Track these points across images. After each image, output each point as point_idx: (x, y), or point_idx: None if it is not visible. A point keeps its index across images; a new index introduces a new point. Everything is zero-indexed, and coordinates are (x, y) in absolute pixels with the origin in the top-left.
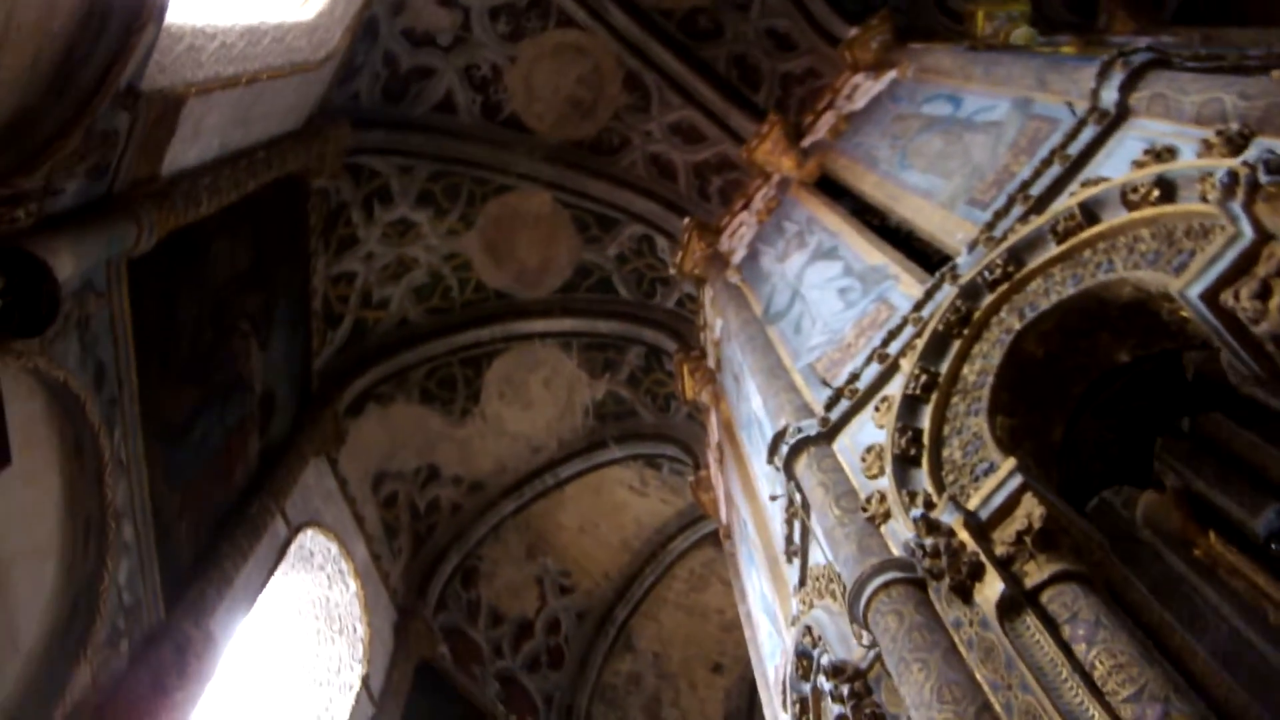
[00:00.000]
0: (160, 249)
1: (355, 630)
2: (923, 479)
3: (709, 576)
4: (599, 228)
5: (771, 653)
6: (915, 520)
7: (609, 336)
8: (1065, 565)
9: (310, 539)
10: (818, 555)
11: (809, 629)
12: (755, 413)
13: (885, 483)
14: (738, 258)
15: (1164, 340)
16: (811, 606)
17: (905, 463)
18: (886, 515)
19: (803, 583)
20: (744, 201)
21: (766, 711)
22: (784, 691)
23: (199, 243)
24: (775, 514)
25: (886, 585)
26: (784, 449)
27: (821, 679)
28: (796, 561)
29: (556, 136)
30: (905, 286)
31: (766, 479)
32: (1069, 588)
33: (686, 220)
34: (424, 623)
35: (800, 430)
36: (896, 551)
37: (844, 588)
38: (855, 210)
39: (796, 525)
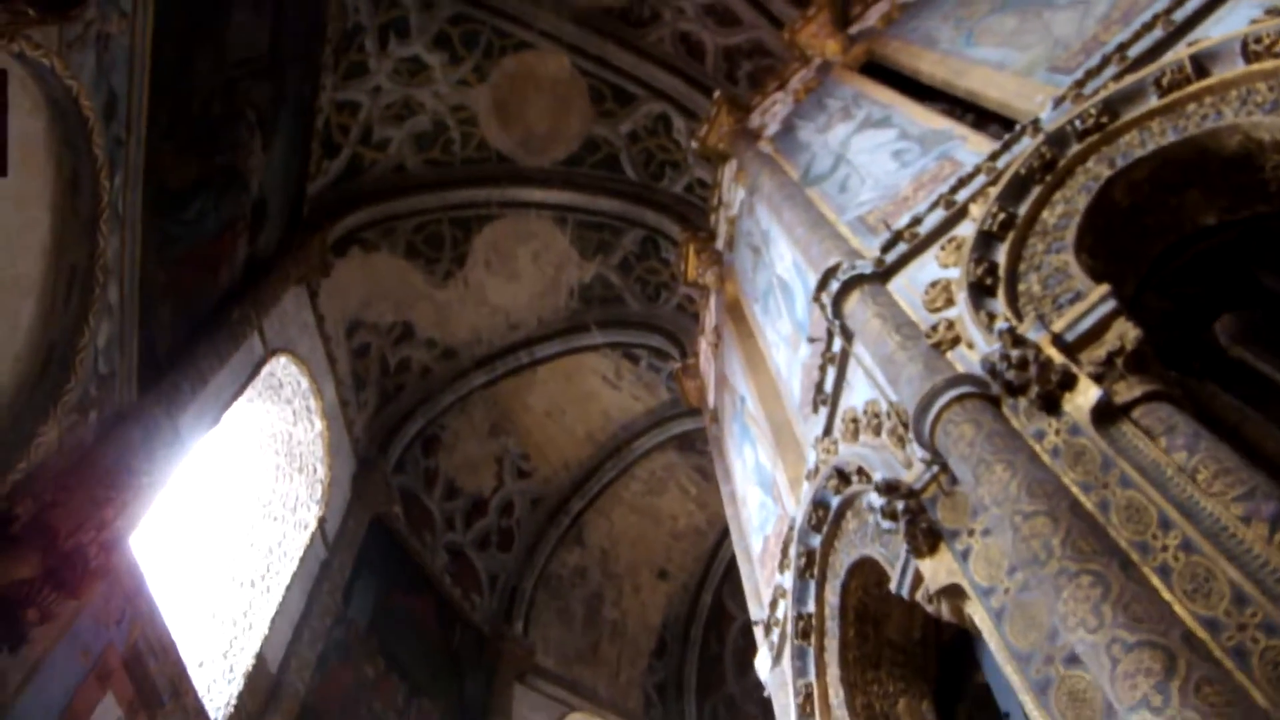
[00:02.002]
0: None
1: (315, 471)
2: (999, 306)
3: (668, 481)
4: (615, 101)
5: (762, 523)
6: (1001, 332)
7: (608, 215)
8: (1156, 386)
9: (282, 368)
10: (854, 397)
11: (838, 470)
12: (784, 274)
13: (953, 312)
14: (771, 131)
15: (1258, 203)
16: (835, 452)
17: (980, 291)
18: (954, 341)
19: (827, 431)
20: (778, 83)
21: (747, 585)
22: (783, 552)
23: (223, 6)
24: (795, 373)
25: (960, 398)
26: (834, 285)
27: (871, 497)
28: (823, 411)
29: (585, 1)
30: (973, 145)
31: (787, 342)
32: (1162, 406)
33: (717, 94)
34: (383, 477)
35: (854, 268)
36: None
37: (896, 417)
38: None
39: (831, 371)
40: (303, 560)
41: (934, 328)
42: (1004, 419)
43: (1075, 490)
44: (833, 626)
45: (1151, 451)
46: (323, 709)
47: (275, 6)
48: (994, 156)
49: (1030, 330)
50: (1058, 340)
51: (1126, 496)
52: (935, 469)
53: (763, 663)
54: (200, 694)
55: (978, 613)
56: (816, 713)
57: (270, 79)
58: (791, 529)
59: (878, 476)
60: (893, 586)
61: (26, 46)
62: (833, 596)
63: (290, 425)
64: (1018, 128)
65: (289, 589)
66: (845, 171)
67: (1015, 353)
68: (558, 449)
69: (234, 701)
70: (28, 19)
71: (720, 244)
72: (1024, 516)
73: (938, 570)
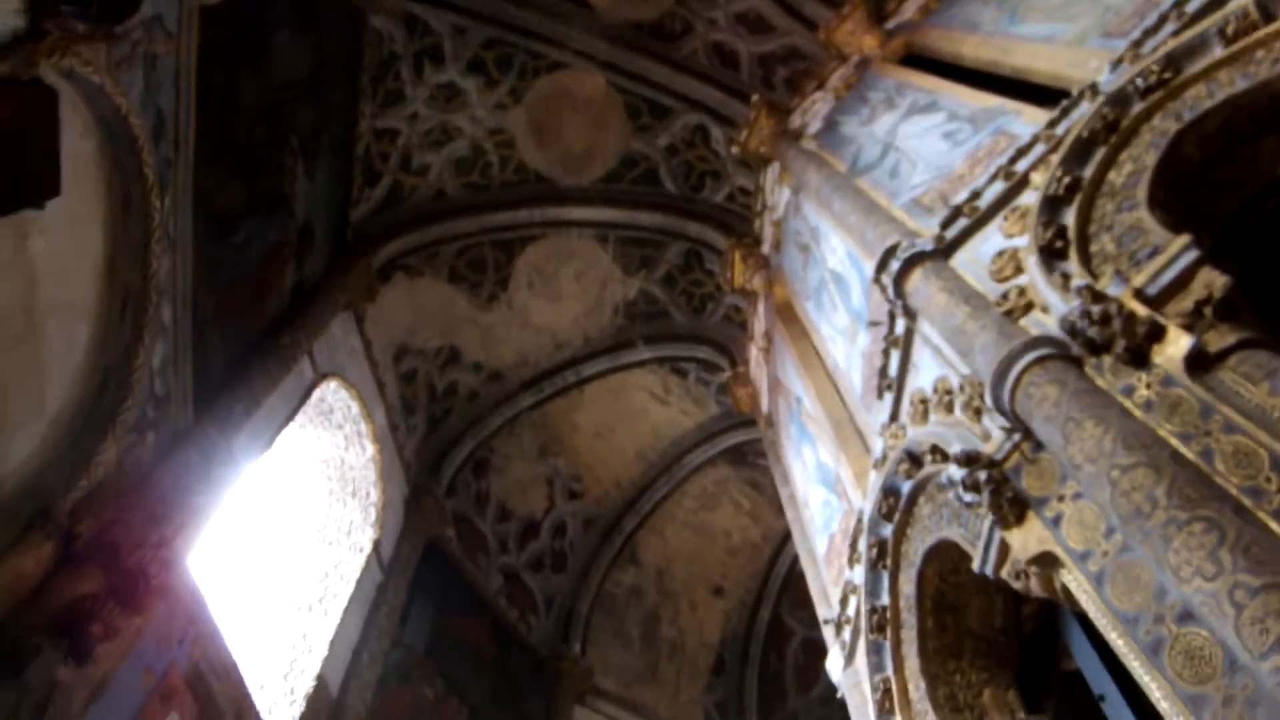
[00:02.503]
0: (230, 9)
1: (369, 495)
2: (1073, 267)
3: (720, 497)
4: (651, 115)
5: (826, 522)
6: (1079, 289)
7: (649, 230)
8: (1250, 333)
9: (332, 393)
10: (921, 378)
11: (909, 453)
12: (837, 266)
13: (1023, 280)
14: (813, 129)
15: None
16: (903, 437)
17: (1051, 255)
18: (1027, 307)
19: (893, 417)
20: (817, 83)
21: (813, 586)
22: (852, 547)
23: (265, 30)
24: (855, 364)
25: (1040, 360)
26: (894, 265)
27: (951, 470)
28: (888, 397)
29: (617, 16)
30: (1028, 117)
31: (844, 334)
32: (1258, 353)
33: (755, 98)
34: (435, 501)
35: (913, 245)
36: None
37: (970, 389)
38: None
39: (894, 355)
40: (359, 584)
41: (1004, 296)
42: (1087, 379)
43: (1174, 441)
44: (909, 618)
45: (1256, 396)
46: None
47: (316, 32)
48: (1052, 124)
49: (1110, 286)
50: (1139, 294)
51: (1232, 442)
52: (1016, 437)
53: (834, 663)
54: (262, 716)
55: (1074, 580)
56: (896, 708)
57: (312, 105)
58: (860, 522)
59: (956, 449)
60: (975, 566)
61: (77, 63)
62: (907, 586)
63: (342, 451)
64: (1075, 92)
65: (346, 612)
66: (895, 158)
67: (1096, 309)
68: (608, 468)
69: None
70: (77, 35)
71: (766, 248)
72: (1122, 470)
73: (1027, 540)
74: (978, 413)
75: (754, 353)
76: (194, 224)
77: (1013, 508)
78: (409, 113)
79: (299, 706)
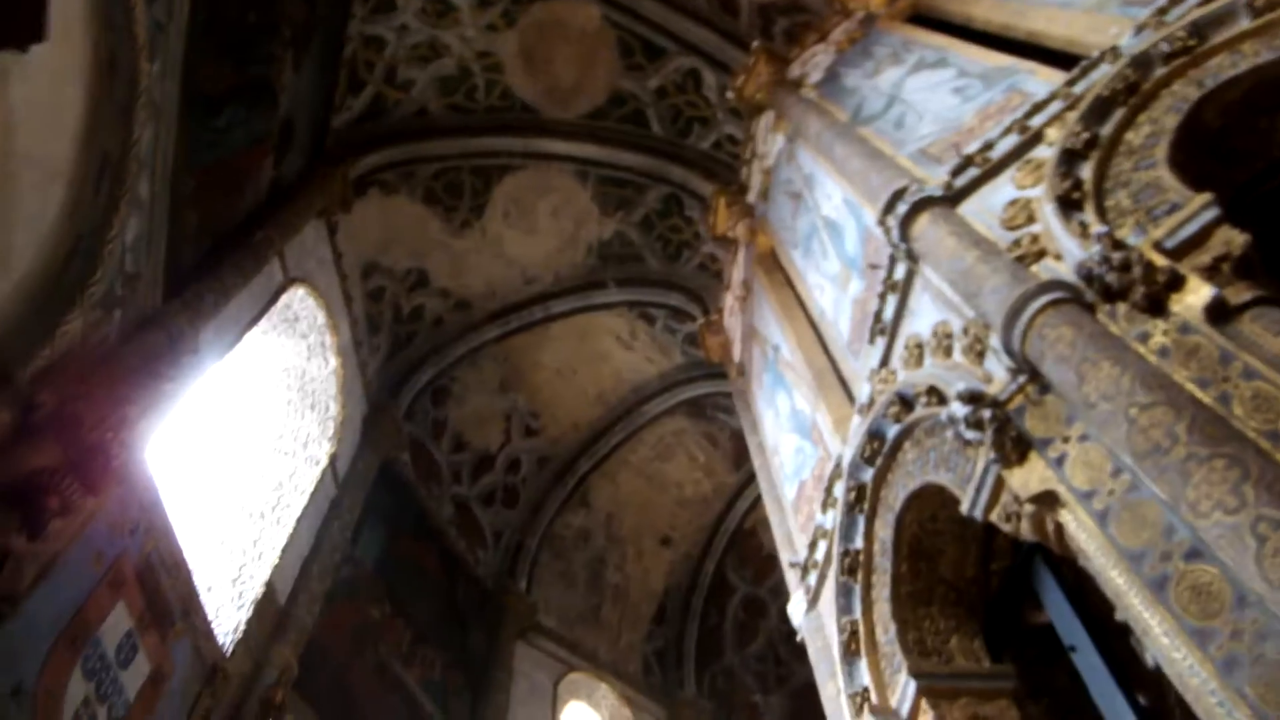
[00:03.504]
0: None
1: (328, 409)
2: (1089, 218)
3: (676, 448)
4: (644, 55)
5: (798, 469)
6: (1099, 236)
7: (632, 170)
8: (1264, 292)
9: (299, 300)
10: (918, 323)
11: (900, 397)
12: (831, 213)
13: (1036, 228)
14: (813, 79)
15: None
16: (893, 382)
17: (1067, 205)
18: (1039, 254)
19: (884, 362)
20: (818, 36)
21: (778, 532)
22: (827, 491)
23: None
24: (844, 311)
25: (1055, 303)
26: (901, 208)
27: (954, 407)
28: (880, 342)
29: None
30: (1043, 76)
31: (834, 281)
32: (1273, 310)
33: (756, 44)
34: (393, 422)
35: (922, 190)
36: None
37: (974, 333)
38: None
39: (891, 300)
40: (313, 496)
41: (1016, 242)
42: (1100, 324)
43: (1190, 386)
44: (882, 562)
45: (1274, 346)
46: (329, 644)
47: None
48: (1070, 83)
49: (1130, 236)
50: (1158, 247)
51: (1252, 388)
52: (1022, 379)
53: (797, 607)
54: (209, 617)
55: (1074, 519)
56: (862, 649)
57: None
58: (837, 467)
59: (959, 388)
60: (964, 508)
61: None
62: (884, 531)
63: (304, 361)
64: (1095, 54)
65: (299, 522)
66: (900, 110)
67: (1116, 255)
68: (567, 409)
69: (242, 627)
70: None
71: (753, 196)
72: (1141, 408)
73: (1028, 479)
74: (979, 356)
75: (729, 301)
76: (180, 97)
77: (1015, 447)
78: (398, 23)
79: (246, 611)
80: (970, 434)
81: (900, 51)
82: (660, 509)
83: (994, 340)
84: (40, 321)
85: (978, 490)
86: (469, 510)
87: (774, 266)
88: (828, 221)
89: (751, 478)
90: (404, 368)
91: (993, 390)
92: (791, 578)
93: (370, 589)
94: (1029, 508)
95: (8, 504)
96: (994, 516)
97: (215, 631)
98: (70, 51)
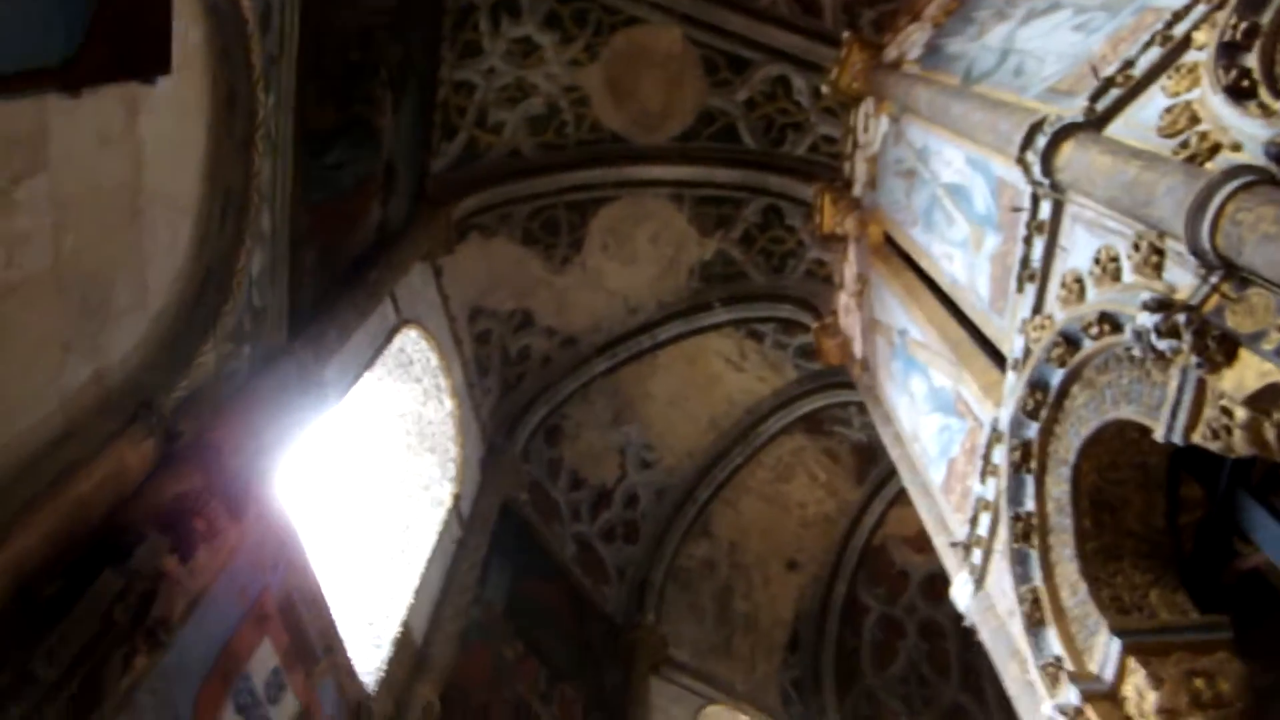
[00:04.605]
0: None
1: (447, 450)
2: (1268, 98)
3: (795, 467)
4: (730, 69)
5: (944, 449)
6: None
7: (727, 187)
8: None
9: (412, 343)
10: (1075, 258)
11: (1065, 337)
12: (953, 178)
13: (1204, 126)
14: (913, 55)
15: None
16: (1050, 327)
17: (1238, 94)
18: (1213, 150)
19: (1037, 309)
20: (910, 17)
21: (928, 518)
22: (985, 459)
23: None
24: (980, 272)
25: (1246, 186)
26: (1040, 140)
27: (1142, 318)
28: (1030, 289)
29: None
30: None
31: (964, 246)
32: None
33: (847, 34)
34: (512, 461)
35: (1061, 119)
36: None
37: (1147, 246)
38: None
39: (1038, 242)
40: (440, 537)
41: (1183, 144)
42: None
43: None
44: (1061, 520)
45: None
46: (467, 685)
47: None
48: None
49: None
50: None
51: None
52: (1215, 279)
53: (961, 590)
54: (351, 654)
55: None
56: (1049, 617)
57: (399, 40)
58: (995, 432)
59: (1144, 298)
60: (1159, 434)
61: None
62: (1056, 488)
63: (420, 405)
64: None
65: (429, 564)
66: (1017, 60)
67: None
68: (681, 437)
69: (383, 667)
70: None
71: (858, 189)
72: None
73: (1242, 377)
74: (1157, 269)
75: (843, 301)
76: (294, 132)
77: (1221, 347)
78: (486, 66)
79: (385, 651)
80: (1164, 344)
81: (1005, 8)
82: (784, 532)
83: (1173, 247)
84: (176, 354)
85: (1174, 410)
86: (591, 548)
87: (889, 254)
88: (950, 188)
89: (876, 491)
90: (515, 410)
91: (1182, 297)
92: (951, 561)
93: (501, 630)
94: (1242, 414)
95: (158, 530)
96: (1197, 436)
97: (357, 671)
98: (191, 85)
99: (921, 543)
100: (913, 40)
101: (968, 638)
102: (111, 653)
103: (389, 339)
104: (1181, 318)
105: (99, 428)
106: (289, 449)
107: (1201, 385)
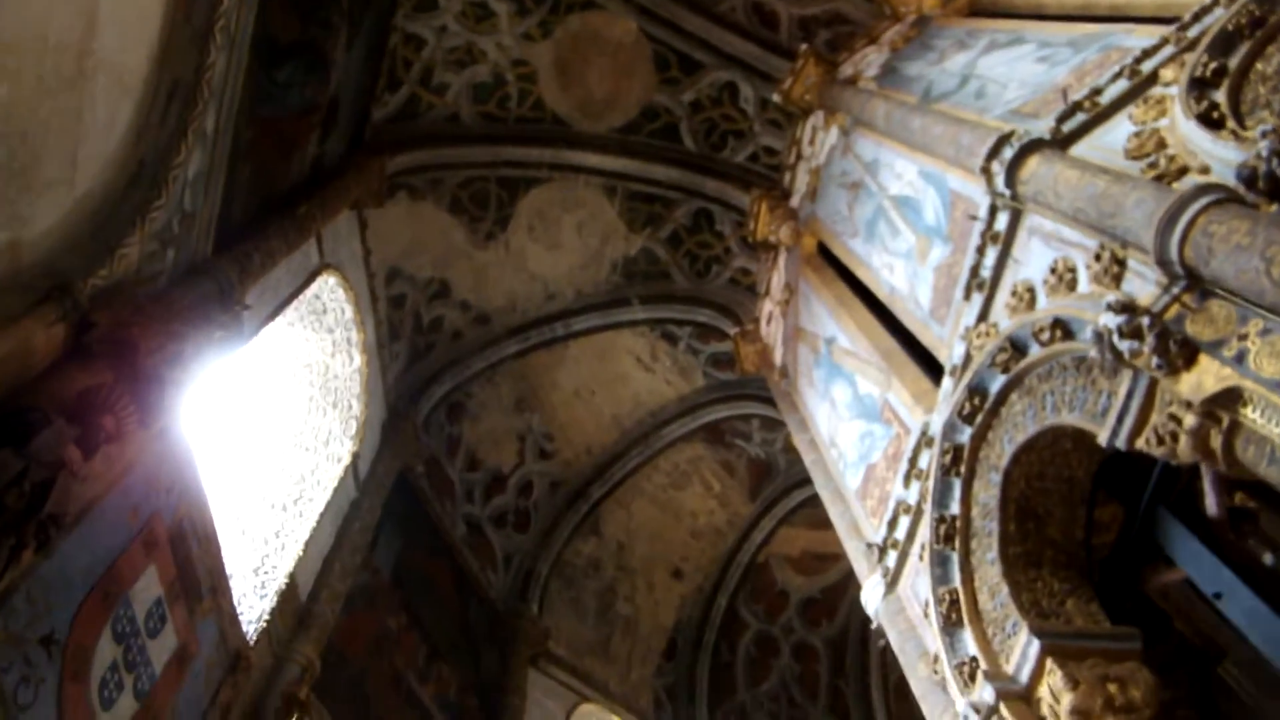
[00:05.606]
0: None
1: (350, 407)
2: (1238, 128)
3: (691, 475)
4: (680, 69)
5: (864, 454)
6: (1267, 133)
7: (662, 185)
8: None
9: (329, 290)
10: (1027, 270)
11: (1012, 341)
12: (904, 190)
13: (1171, 151)
14: (870, 74)
15: None
16: (994, 335)
17: (1208, 123)
18: (1180, 172)
19: (983, 317)
20: (867, 40)
21: (840, 523)
22: (911, 463)
23: None
24: (923, 282)
25: (1217, 203)
26: (1007, 152)
27: (1105, 318)
28: (977, 298)
29: None
30: (1142, 33)
31: (908, 257)
32: None
33: (804, 47)
34: (413, 429)
35: (1029, 133)
36: None
37: (1109, 257)
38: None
39: (990, 252)
40: (334, 494)
41: (1151, 164)
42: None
43: None
44: (986, 525)
45: None
46: (347, 650)
47: None
48: (1183, 28)
49: None
50: None
51: None
52: (1176, 290)
53: (872, 593)
54: (235, 601)
55: (1263, 412)
56: (965, 619)
57: None
58: (923, 436)
59: (1112, 299)
60: (1103, 439)
61: None
62: (985, 493)
63: (328, 357)
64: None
65: (321, 518)
66: (978, 84)
67: None
68: (582, 431)
69: (266, 617)
70: None
71: (796, 200)
72: None
73: (1201, 381)
74: (1116, 279)
75: (767, 309)
76: (253, 34)
77: (1181, 351)
78: (439, 24)
79: (269, 601)
80: (1125, 344)
81: (966, 39)
82: (673, 539)
83: (1134, 261)
84: (99, 241)
85: (1121, 415)
86: (481, 531)
87: (821, 264)
88: (899, 200)
89: (768, 509)
90: (420, 380)
91: (1144, 303)
92: (862, 565)
93: (387, 599)
94: (1191, 420)
95: (64, 418)
96: (1141, 441)
97: (240, 618)
98: None
99: (805, 564)
100: (869, 60)
101: (839, 664)
102: None
103: (309, 280)
104: (1145, 320)
105: (6, 301)
106: (203, 368)
107: (1151, 392)
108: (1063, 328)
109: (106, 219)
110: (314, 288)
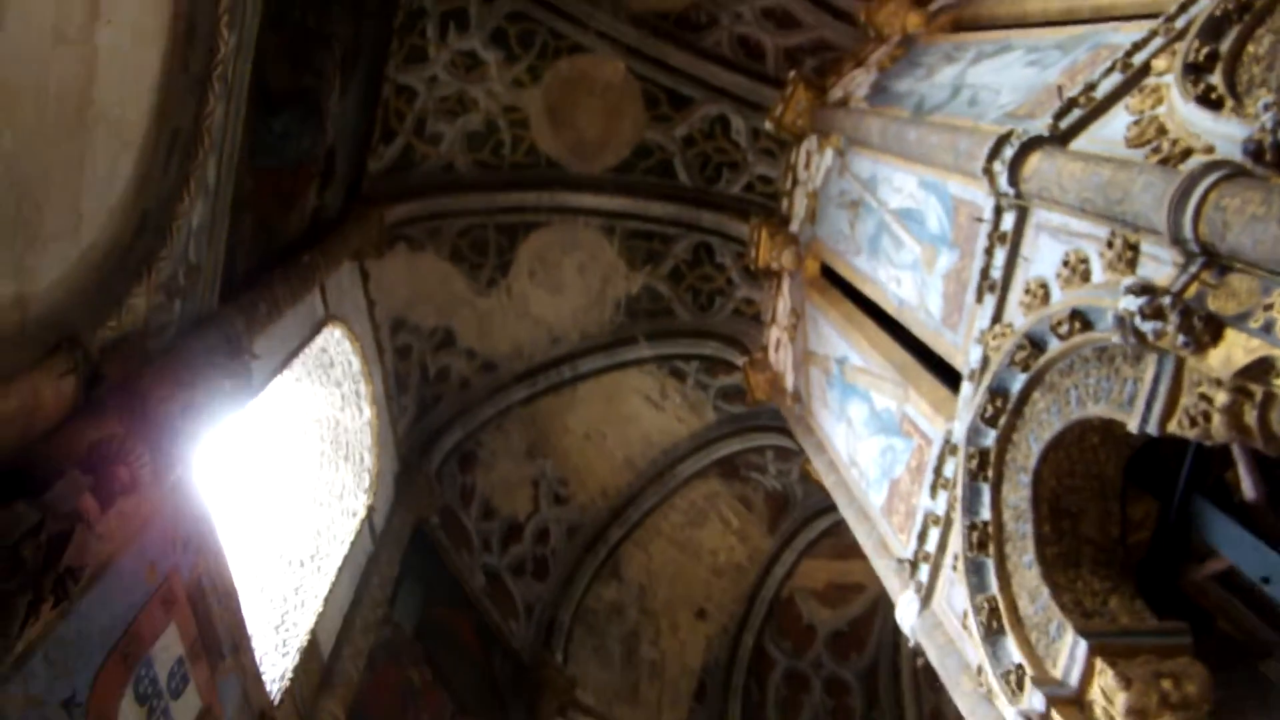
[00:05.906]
0: None
1: (363, 460)
2: (1238, 105)
3: (709, 513)
4: (670, 105)
5: (886, 470)
6: (1267, 105)
7: (660, 221)
8: None
9: (335, 343)
10: (1038, 267)
11: (1030, 339)
12: (904, 203)
13: (1173, 134)
14: (860, 94)
15: None
16: (1010, 335)
17: (1208, 104)
18: (1185, 153)
19: (997, 319)
20: (854, 63)
21: (867, 542)
22: (936, 473)
23: None
24: (932, 291)
25: (1227, 178)
26: (1008, 151)
27: (1126, 301)
28: (989, 300)
29: (641, 4)
30: (1130, 29)
31: (914, 268)
32: None
33: (793, 74)
34: (426, 480)
35: (1028, 132)
36: None
37: (1121, 242)
38: None
39: (999, 253)
40: (352, 548)
41: (1154, 149)
42: None
43: None
44: (1019, 527)
45: None
46: (372, 706)
47: None
48: (1170, 19)
49: None
50: None
51: None
52: (1194, 268)
53: (907, 610)
54: (257, 659)
55: None
56: (1006, 626)
57: (353, 18)
58: (947, 445)
59: (1129, 282)
60: (1133, 425)
61: None
62: (1014, 495)
63: (337, 411)
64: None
65: (340, 573)
66: (970, 93)
67: None
68: (596, 475)
69: (289, 675)
70: None
71: (796, 225)
72: None
73: (1229, 355)
74: (1131, 264)
75: (774, 336)
76: (250, 84)
77: (1207, 326)
78: (429, 74)
79: (291, 660)
80: (1149, 325)
81: (953, 53)
82: (694, 579)
83: (1147, 244)
84: (107, 292)
85: (1149, 400)
86: (500, 580)
87: (826, 285)
88: (900, 213)
89: (788, 541)
90: (431, 431)
91: (1162, 285)
92: (894, 583)
93: (410, 653)
94: (1222, 398)
95: (79, 469)
96: (1173, 425)
97: (263, 676)
98: (150, 14)
99: (830, 597)
100: (858, 82)
101: (872, 697)
102: (15, 598)
103: (315, 332)
104: (1166, 300)
105: (14, 355)
106: (214, 420)
107: (1179, 372)
108: (1081, 318)
109: (113, 270)
110: (320, 340)
